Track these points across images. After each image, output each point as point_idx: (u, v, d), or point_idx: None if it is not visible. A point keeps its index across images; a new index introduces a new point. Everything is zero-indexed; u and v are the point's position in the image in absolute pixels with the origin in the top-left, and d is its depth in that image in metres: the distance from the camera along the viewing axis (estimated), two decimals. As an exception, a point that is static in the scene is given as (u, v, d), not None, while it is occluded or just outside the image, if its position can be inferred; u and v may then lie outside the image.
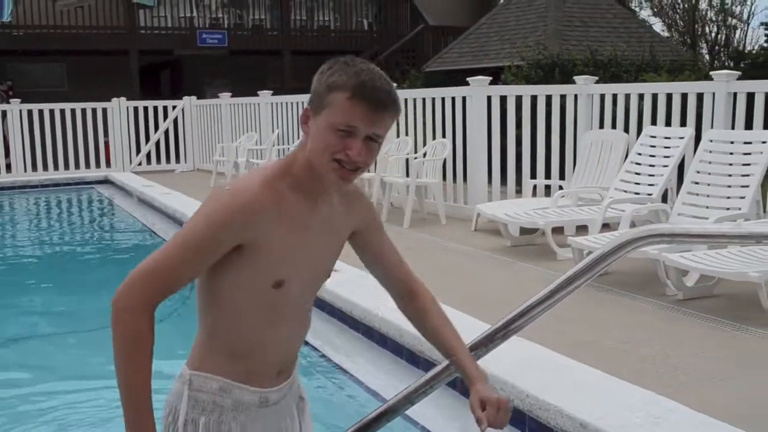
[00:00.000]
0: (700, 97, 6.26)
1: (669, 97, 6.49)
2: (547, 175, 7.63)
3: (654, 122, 6.58)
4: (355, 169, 1.68)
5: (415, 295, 1.98)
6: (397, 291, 1.99)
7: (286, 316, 1.80)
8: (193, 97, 14.72)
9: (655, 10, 22.02)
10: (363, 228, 1.93)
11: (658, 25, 21.13)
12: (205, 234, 1.66)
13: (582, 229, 5.91)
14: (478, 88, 7.68)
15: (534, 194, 7.61)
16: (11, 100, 13.78)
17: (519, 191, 7.83)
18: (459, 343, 1.90)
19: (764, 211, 5.59)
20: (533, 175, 7.65)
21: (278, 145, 11.56)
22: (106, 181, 12.90)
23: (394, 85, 1.74)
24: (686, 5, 20.94)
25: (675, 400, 2.72)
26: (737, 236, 2.13)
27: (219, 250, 1.67)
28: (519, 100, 7.66)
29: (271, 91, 12.59)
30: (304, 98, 11.03)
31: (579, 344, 3.66)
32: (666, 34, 20.34)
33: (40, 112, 13.30)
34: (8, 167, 13.29)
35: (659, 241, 2.12)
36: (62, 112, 13.41)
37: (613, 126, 7.04)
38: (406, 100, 8.64)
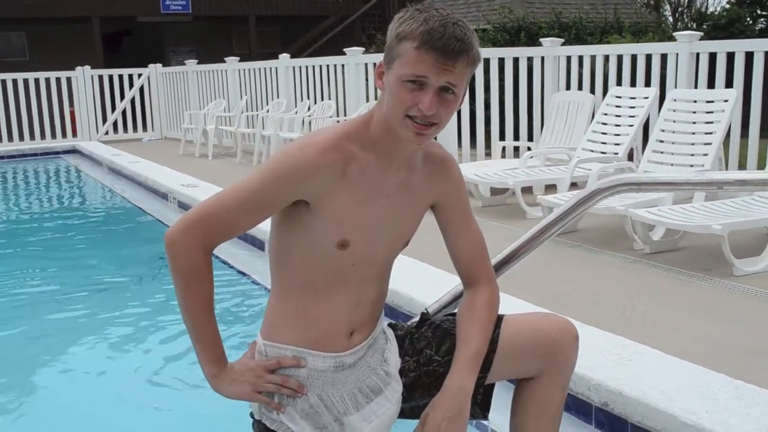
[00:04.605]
0: (663, 57, 6.41)
1: (633, 58, 6.63)
2: (516, 137, 7.76)
3: (619, 83, 6.72)
4: (429, 125, 1.61)
5: (472, 289, 1.91)
6: (461, 277, 1.94)
7: (354, 279, 1.76)
8: (159, 65, 14.57)
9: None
10: (445, 203, 1.86)
11: (620, -13, 21.18)
12: (264, 183, 1.65)
13: (551, 189, 6.06)
14: (447, 52, 7.73)
15: (503, 156, 7.74)
16: (-28, 71, 13.55)
17: (489, 154, 7.95)
18: (464, 352, 1.80)
19: (726, 168, 5.77)
20: (502, 137, 7.77)
21: (247, 111, 11.54)
22: (73, 151, 12.78)
23: (472, 29, 1.62)
24: (649, -33, 21.09)
25: (653, 348, 2.85)
26: (700, 183, 2.25)
27: (276, 201, 1.66)
28: (486, 63, 7.74)
29: (238, 58, 12.51)
30: (272, 64, 11.06)
31: (551, 297, 3.80)
32: (629, -4, 20.45)
33: (3, 82, 13.08)
34: (-29, 139, 13.13)
35: (628, 189, 2.24)
36: (25, 81, 13.22)
37: (580, 87, 7.16)
38: (369, 64, 8.68)
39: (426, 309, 2.11)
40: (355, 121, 1.74)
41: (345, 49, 9.53)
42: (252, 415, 1.84)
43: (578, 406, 2.56)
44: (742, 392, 2.43)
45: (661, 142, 5.63)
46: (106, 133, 13.96)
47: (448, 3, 15.69)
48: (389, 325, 1.97)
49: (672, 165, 5.42)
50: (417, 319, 2.00)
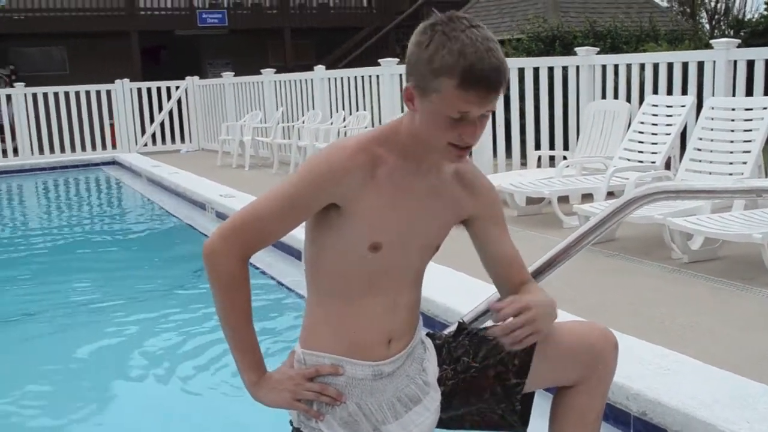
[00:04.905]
0: (700, 65, 6.36)
1: (670, 66, 6.59)
2: (551, 147, 7.74)
3: (656, 92, 6.68)
4: (469, 146, 1.65)
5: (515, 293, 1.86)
6: (502, 291, 1.92)
7: (388, 285, 1.76)
8: (196, 77, 14.77)
9: (654, -20, 21.94)
10: (480, 216, 1.86)
11: (656, -5, 21.05)
12: (296, 188, 1.67)
13: (587, 198, 6.02)
14: (482, 62, 7.75)
15: (539, 165, 7.72)
16: (15, 84, 13.84)
17: (524, 163, 7.94)
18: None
19: (766, 176, 5.70)
20: (537, 147, 7.76)
21: (283, 122, 11.64)
22: (113, 163, 13.00)
23: (498, 44, 1.59)
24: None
25: (691, 357, 2.83)
26: (739, 191, 2.25)
27: (309, 205, 1.68)
28: (521, 72, 7.75)
29: (274, 69, 12.64)
30: (307, 76, 11.15)
31: (588, 307, 3.77)
32: (666, 4, 20.30)
33: (45, 95, 13.38)
34: (15, 150, 13.39)
35: (665, 197, 2.24)
36: (66, 94, 13.49)
37: (615, 96, 7.13)
38: (404, 75, 8.69)
39: (462, 318, 2.12)
40: (384, 126, 1.77)
41: (380, 60, 9.58)
42: (291, 423, 1.86)
43: (616, 416, 2.55)
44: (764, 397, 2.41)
45: (699, 150, 5.58)
46: (145, 144, 14.17)
47: (481, 14, 15.69)
48: (427, 334, 1.98)
49: (710, 173, 5.37)
50: (454, 328, 2.02)
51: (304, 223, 1.77)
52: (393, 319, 1.79)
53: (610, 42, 11.05)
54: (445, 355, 1.93)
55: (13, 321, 4.98)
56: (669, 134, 6.03)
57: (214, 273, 1.70)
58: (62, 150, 13.54)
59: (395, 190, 1.71)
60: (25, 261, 6.87)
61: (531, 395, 1.92)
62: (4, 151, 13.45)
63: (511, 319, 1.69)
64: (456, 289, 3.81)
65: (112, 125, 13.97)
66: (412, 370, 1.85)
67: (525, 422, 1.92)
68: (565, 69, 7.59)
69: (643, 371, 2.64)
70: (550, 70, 7.67)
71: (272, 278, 5.23)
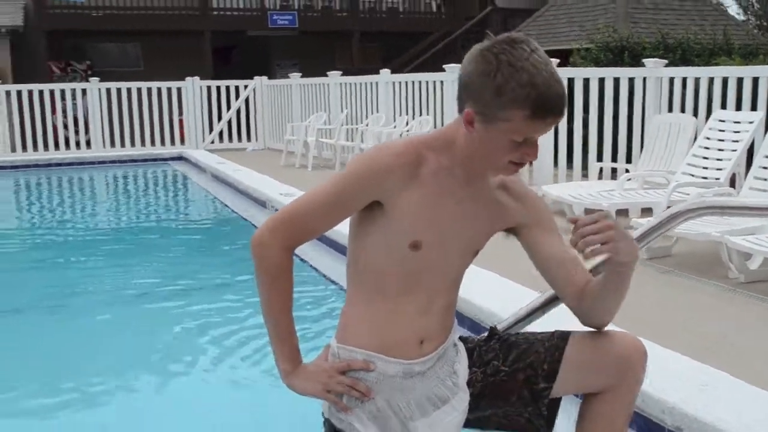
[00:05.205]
0: (771, 81, 6.23)
1: (740, 81, 6.46)
2: (614, 159, 7.66)
3: (724, 106, 6.56)
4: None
5: (582, 295, 1.88)
6: (565, 293, 1.92)
7: (425, 284, 1.81)
8: (264, 77, 15.01)
9: (731, -8, 21.52)
10: (529, 224, 1.89)
11: (733, 8, 20.64)
12: (342, 185, 1.74)
13: (647, 213, 5.96)
14: (546, 71, 7.72)
15: (600, 177, 7.65)
16: (90, 79, 14.28)
17: (585, 175, 7.88)
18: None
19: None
20: (600, 158, 7.69)
21: (347, 124, 11.76)
22: (180, 158, 13.31)
23: (556, 68, 1.66)
24: (764, -13, 20.41)
25: (734, 376, 2.79)
26: None
27: (353, 201, 1.74)
28: (586, 82, 7.69)
29: (341, 72, 12.77)
30: (373, 79, 11.24)
31: (638, 321, 3.73)
32: (742, 17, 19.86)
33: (118, 90, 13.78)
34: (88, 143, 13.83)
35: (709, 213, 2.23)
36: (139, 90, 13.87)
37: (682, 110, 7.03)
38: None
39: (494, 324, 2.16)
40: (438, 132, 1.82)
41: (445, 66, 9.62)
42: (323, 414, 1.92)
43: (650, 428, 2.55)
44: None
45: (766, 168, 5.47)
46: (212, 141, 14.45)
47: (551, 22, 15.61)
48: (460, 338, 2.02)
49: (776, 193, 5.26)
50: (486, 333, 2.06)
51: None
52: (427, 319, 1.84)
53: (681, 54, 10.87)
54: (475, 358, 1.97)
55: (81, 301, 5.23)
56: (735, 150, 5.92)
57: (261, 263, 1.78)
58: (132, 144, 13.94)
59: (438, 191, 1.76)
60: (93, 246, 7.17)
61: (558, 400, 1.95)
62: (78, 143, 13.90)
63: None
64: (499, 294, 3.83)
65: (181, 121, 14.29)
66: (443, 372, 1.89)
67: (550, 427, 1.95)
68: (631, 80, 7.51)
69: (681, 386, 2.63)
70: (616, 80, 7.59)
71: (317, 270, 5.36)
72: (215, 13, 19.89)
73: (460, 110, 1.72)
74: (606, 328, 1.93)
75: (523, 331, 2.03)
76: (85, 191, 11.67)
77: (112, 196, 11.20)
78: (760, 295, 4.26)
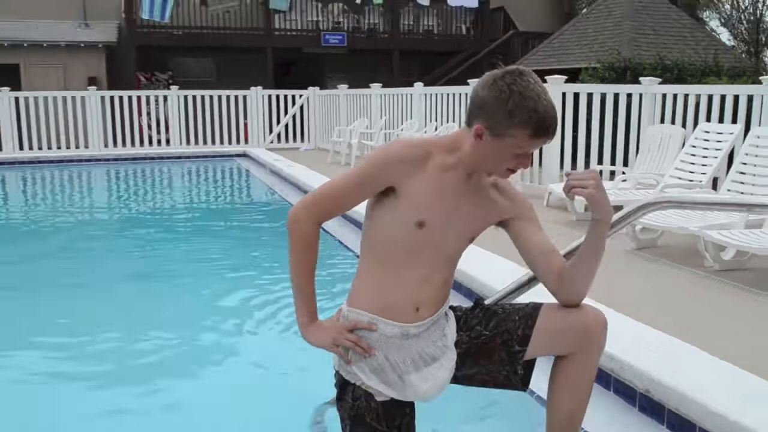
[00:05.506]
0: (750, 98, 6.13)
1: (723, 98, 6.37)
2: (613, 162, 7.59)
3: (708, 119, 6.47)
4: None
5: (561, 277, 1.90)
6: (546, 277, 1.93)
7: (425, 259, 1.84)
8: (317, 88, 15.09)
9: (723, 21, 21.07)
10: (517, 216, 1.93)
11: (725, 35, 20.21)
12: (367, 170, 1.80)
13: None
14: (555, 86, 7.68)
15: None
16: (171, 87, 14.49)
17: (587, 176, 7.81)
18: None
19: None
20: (600, 162, 7.62)
21: (385, 129, 11.79)
22: (244, 155, 13.45)
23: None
24: (752, 17, 19.95)
25: (699, 349, 2.79)
26: (731, 204, 2.24)
27: (376, 183, 1.80)
28: (590, 97, 7.63)
29: (381, 84, 12.80)
30: (408, 91, 11.26)
31: (623, 301, 3.74)
32: (732, 43, 19.45)
33: (194, 97, 13.96)
34: (168, 141, 14.05)
35: (668, 206, 2.24)
36: (211, 98, 14.04)
37: (673, 121, 6.95)
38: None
39: (480, 297, 2.19)
40: (449, 136, 1.86)
41: (469, 81, 9.59)
42: (334, 367, 1.96)
43: (624, 391, 2.57)
44: (753, 386, 2.38)
45: (743, 173, 5.39)
46: (271, 141, 14.57)
47: (564, 43, 15.44)
48: (450, 307, 2.05)
49: (751, 195, 5.18)
50: (472, 304, 2.09)
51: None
52: (424, 291, 1.87)
53: (677, 73, 10.71)
54: (462, 323, 2.01)
55: (155, 274, 5.35)
56: (716, 157, 5.84)
57: (294, 234, 1.84)
58: (204, 142, 14.10)
59: (442, 181, 1.81)
60: (172, 227, 7.36)
61: (532, 362, 1.97)
62: (159, 141, 14.13)
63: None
64: (496, 270, 3.87)
65: (245, 124, 14.44)
66: (435, 335, 1.93)
67: (526, 384, 1.98)
68: (629, 96, 7.43)
69: (652, 355, 2.64)
70: (616, 96, 7.52)
71: (339, 242, 5.50)
72: (277, 33, 20.00)
73: (469, 124, 1.79)
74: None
75: (503, 302, 2.06)
76: (164, 181, 11.87)
77: (187, 185, 11.39)
78: (731, 282, 4.22)
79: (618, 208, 6.28)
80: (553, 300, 1.95)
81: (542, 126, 1.71)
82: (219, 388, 3.22)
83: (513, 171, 1.80)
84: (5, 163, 12.43)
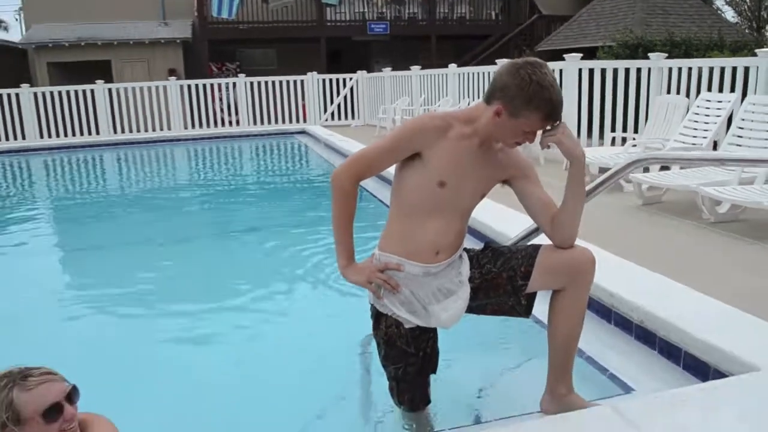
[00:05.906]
0: (747, 69, 5.98)
1: (722, 69, 6.22)
2: (624, 129, 7.50)
3: (709, 89, 6.34)
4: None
5: (554, 222, 1.98)
6: (544, 225, 2.00)
7: (444, 212, 1.92)
8: (364, 72, 15.08)
9: (728, -1, 20.18)
10: (520, 176, 1.99)
11: (730, 13, 19.37)
12: (399, 136, 1.88)
13: (646, 170, 5.86)
14: (572, 63, 7.59)
15: (613, 144, 7.51)
16: (239, 75, 14.68)
17: (602, 143, 7.74)
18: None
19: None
20: (613, 129, 7.54)
21: (424, 105, 11.77)
22: (302, 132, 13.58)
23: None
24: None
25: (690, 287, 2.82)
26: (710, 159, 2.28)
27: (405, 149, 1.88)
28: (604, 72, 7.51)
29: (420, 66, 12.74)
30: (444, 71, 11.20)
31: (627, 248, 3.77)
32: (736, 20, 18.64)
33: (258, 83, 14.10)
34: (237, 122, 14.28)
35: (654, 162, 2.27)
36: (273, 83, 14.16)
37: (678, 92, 6.81)
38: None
39: (489, 240, 2.27)
40: (468, 110, 1.93)
41: (497, 60, 9.51)
42: (369, 301, 2.07)
43: (623, 322, 2.64)
44: (731, 316, 2.43)
45: (739, 137, 5.31)
46: (326, 119, 14.66)
47: (582, 25, 15.06)
48: (464, 249, 2.13)
49: (742, 154, 5.10)
50: (483, 246, 2.16)
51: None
52: (443, 238, 1.97)
53: (684, 49, 10.39)
54: (474, 262, 2.09)
55: (235, 229, 5.60)
56: (716, 123, 5.74)
57: (336, 189, 1.92)
58: (268, 122, 14.28)
59: (460, 148, 1.89)
60: (242, 193, 7.55)
61: (533, 294, 2.06)
62: (230, 122, 14.36)
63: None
64: (507, 220, 3.90)
65: (303, 105, 14.55)
66: (452, 273, 2.02)
67: (528, 312, 2.07)
68: (639, 70, 7.29)
69: (647, 292, 2.70)
70: (627, 70, 7.39)
71: (375, 197, 5.64)
72: (329, 24, 19.95)
73: (488, 101, 1.87)
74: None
75: (508, 244, 2.14)
76: (235, 156, 12.12)
77: (254, 159, 11.61)
78: (724, 232, 4.22)
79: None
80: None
81: (553, 112, 1.81)
82: (287, 322, 3.41)
83: (519, 143, 1.88)
84: (102, 145, 12.88)
